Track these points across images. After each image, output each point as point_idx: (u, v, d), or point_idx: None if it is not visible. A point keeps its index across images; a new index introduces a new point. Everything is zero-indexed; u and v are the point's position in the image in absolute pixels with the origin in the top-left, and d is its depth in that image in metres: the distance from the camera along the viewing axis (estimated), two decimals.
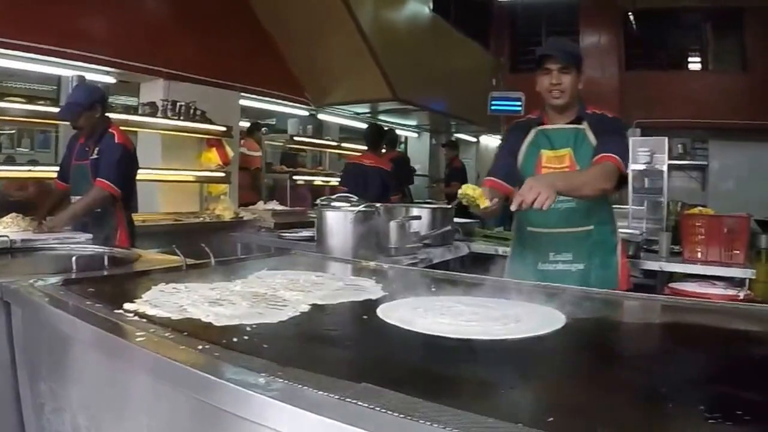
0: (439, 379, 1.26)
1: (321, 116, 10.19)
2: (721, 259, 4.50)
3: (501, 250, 4.59)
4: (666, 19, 14.12)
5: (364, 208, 3.47)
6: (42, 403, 1.90)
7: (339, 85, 9.47)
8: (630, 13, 13.32)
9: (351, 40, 8.52)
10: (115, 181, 4.21)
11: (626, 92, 13.33)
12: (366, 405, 1.00)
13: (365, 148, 6.96)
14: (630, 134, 9.84)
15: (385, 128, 8.21)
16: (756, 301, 4.10)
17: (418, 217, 4.24)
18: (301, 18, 8.45)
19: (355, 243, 3.41)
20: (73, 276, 2.14)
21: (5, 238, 3.11)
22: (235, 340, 1.42)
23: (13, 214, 3.76)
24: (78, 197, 4.25)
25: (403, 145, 13.34)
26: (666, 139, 6.99)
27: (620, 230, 5.03)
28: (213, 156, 7.56)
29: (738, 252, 4.50)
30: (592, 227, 3.11)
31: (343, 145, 10.74)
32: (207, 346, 1.33)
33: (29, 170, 5.97)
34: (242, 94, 8.41)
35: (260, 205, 7.09)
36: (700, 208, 5.19)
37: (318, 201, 3.74)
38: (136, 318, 1.60)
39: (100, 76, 6.63)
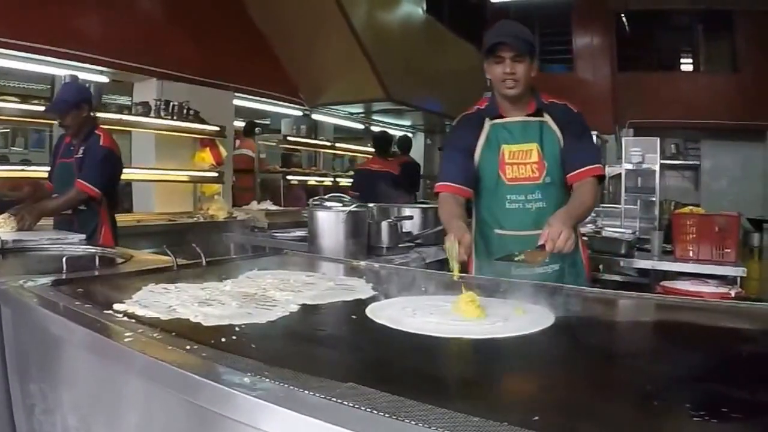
0: (426, 379, 1.26)
1: (315, 116, 10.18)
2: (712, 257, 4.52)
3: None
4: (658, 20, 14.21)
5: (355, 208, 3.47)
6: (33, 404, 1.89)
7: (333, 86, 9.46)
8: (622, 15, 13.37)
9: (345, 41, 8.51)
10: (95, 182, 4.20)
11: (619, 93, 13.38)
12: (351, 405, 1.00)
13: (364, 150, 7.09)
14: (623, 135, 9.90)
15: (399, 135, 8.28)
16: (747, 298, 4.12)
17: (410, 217, 4.24)
18: (295, 18, 8.45)
19: (347, 243, 3.41)
20: (64, 276, 2.13)
21: None
22: (223, 340, 1.42)
23: (5, 215, 3.74)
24: (59, 196, 4.27)
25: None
26: (657, 139, 7.01)
27: (612, 229, 5.09)
28: (206, 156, 7.55)
29: (729, 250, 4.51)
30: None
31: (337, 145, 10.74)
32: (195, 347, 1.33)
33: (22, 170, 5.95)
34: (236, 93, 8.40)
35: (254, 205, 7.11)
36: (691, 207, 5.21)
37: (310, 201, 3.74)
38: (125, 318, 1.59)
39: (94, 75, 6.61)
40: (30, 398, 1.90)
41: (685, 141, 14.06)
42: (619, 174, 6.63)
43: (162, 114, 6.89)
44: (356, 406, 1.00)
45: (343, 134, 12.50)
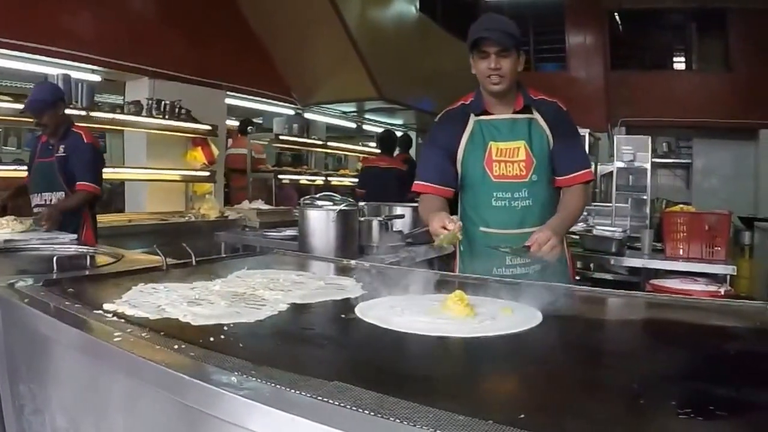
0: (412, 377, 1.27)
1: (307, 115, 10.16)
2: (702, 255, 4.54)
3: None
4: (651, 19, 14.22)
5: (345, 207, 3.47)
6: (22, 404, 1.89)
7: (325, 85, 9.46)
8: (616, 14, 13.40)
9: (337, 40, 8.50)
10: (93, 180, 4.34)
11: (611, 91, 13.40)
12: (337, 403, 1.01)
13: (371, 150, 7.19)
14: (615, 133, 9.92)
15: (399, 133, 8.39)
16: (737, 297, 4.15)
17: (401, 216, 4.24)
18: (288, 17, 8.44)
19: (337, 242, 3.41)
20: (54, 276, 2.13)
21: None
22: (211, 339, 1.42)
23: (10, 216, 3.73)
24: (43, 194, 4.34)
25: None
26: (649, 137, 7.05)
27: (603, 228, 5.10)
28: (198, 155, 7.54)
29: (719, 248, 4.54)
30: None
31: (330, 144, 10.73)
32: (183, 346, 1.33)
33: (15, 169, 5.93)
34: (228, 93, 8.39)
35: (245, 204, 7.10)
36: (682, 205, 5.23)
37: (301, 200, 3.74)
38: (115, 318, 1.59)
39: (86, 74, 6.61)
40: (20, 399, 1.90)
41: (677, 139, 14.10)
42: (611, 172, 6.67)
43: (154, 113, 6.88)
44: (341, 404, 1.00)
45: (336, 133, 12.48)
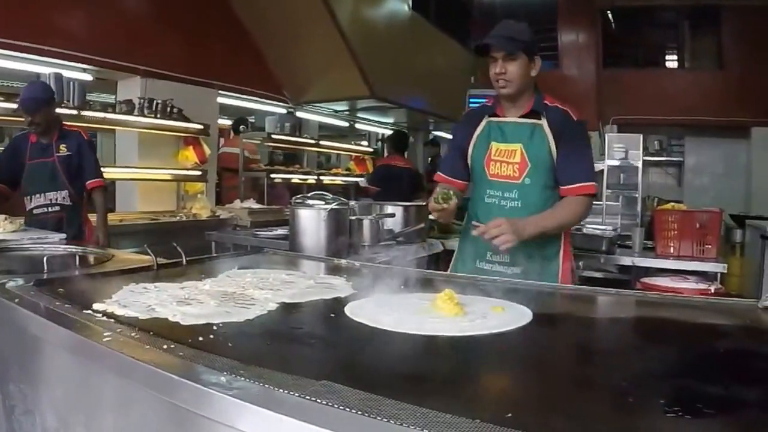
0: (401, 376, 1.27)
1: (300, 114, 10.15)
2: (693, 253, 4.55)
3: None
4: (644, 17, 14.24)
5: (336, 206, 3.47)
6: (13, 405, 1.88)
7: (317, 83, 9.45)
8: (608, 11, 13.42)
9: (330, 38, 8.49)
10: (101, 175, 4.57)
11: (603, 89, 13.42)
12: (325, 402, 1.01)
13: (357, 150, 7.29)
14: (606, 131, 9.94)
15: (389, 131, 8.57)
16: (728, 295, 4.16)
17: (392, 215, 4.24)
18: (280, 16, 8.42)
19: (328, 241, 3.41)
20: (44, 276, 2.13)
21: None
22: (200, 339, 1.42)
23: (1, 216, 3.72)
24: (46, 194, 4.36)
25: (380, 143, 13.37)
26: (641, 135, 7.07)
27: (593, 226, 5.10)
28: (190, 154, 7.51)
29: (710, 246, 4.55)
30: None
31: (322, 142, 10.72)
32: (172, 346, 1.34)
33: None
34: (220, 92, 8.37)
35: (237, 203, 7.09)
36: (673, 203, 5.24)
37: (293, 199, 3.74)
38: (105, 318, 1.59)
39: (78, 73, 6.58)
40: (10, 399, 1.89)
41: (668, 137, 14.11)
42: (602, 170, 6.67)
43: (146, 112, 6.85)
44: (329, 404, 1.01)
45: (328, 132, 12.47)
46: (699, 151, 13.87)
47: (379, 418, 0.95)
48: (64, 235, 3.52)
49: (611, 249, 4.61)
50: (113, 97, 7.56)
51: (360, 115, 11.67)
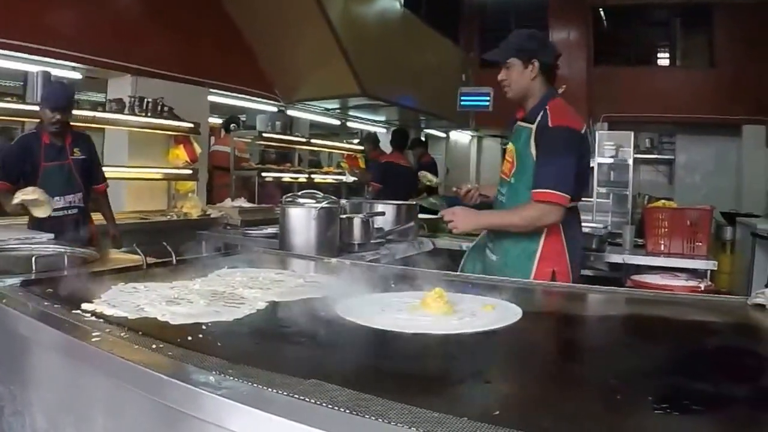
0: (391, 375, 1.28)
1: (291, 112, 10.12)
2: (683, 251, 4.57)
3: (465, 245, 4.62)
4: (635, 14, 14.25)
5: (326, 205, 3.46)
6: (2, 406, 1.87)
7: (308, 81, 9.41)
8: (600, 9, 13.43)
9: (321, 36, 8.46)
10: (105, 178, 4.81)
11: (594, 87, 13.42)
12: (313, 401, 1.01)
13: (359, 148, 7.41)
14: (597, 129, 9.96)
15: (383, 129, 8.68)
16: (717, 292, 4.18)
17: (382, 213, 4.24)
18: (272, 13, 8.39)
19: (318, 239, 3.40)
20: (33, 277, 2.12)
21: None
22: (189, 338, 1.42)
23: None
24: (66, 197, 4.35)
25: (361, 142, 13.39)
26: (632, 133, 7.09)
27: (584, 224, 5.09)
28: (181, 153, 7.46)
29: (701, 244, 4.57)
30: (513, 235, 3.09)
31: (313, 141, 10.70)
32: (161, 346, 1.33)
33: None
34: (211, 90, 8.33)
35: (228, 202, 7.06)
36: (664, 201, 5.25)
37: (283, 198, 3.73)
38: (93, 318, 1.59)
39: (67, 71, 6.54)
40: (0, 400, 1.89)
41: (659, 135, 14.13)
42: (592, 168, 6.69)
43: (136, 111, 6.81)
44: (318, 402, 1.01)
45: (320, 130, 12.44)
46: (690, 149, 13.90)
47: (367, 416, 0.96)
48: (51, 235, 3.50)
49: (602, 247, 4.61)
50: (103, 95, 7.52)
51: (351, 113, 11.64)
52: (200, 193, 7.72)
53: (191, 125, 7.37)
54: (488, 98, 10.27)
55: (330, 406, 0.99)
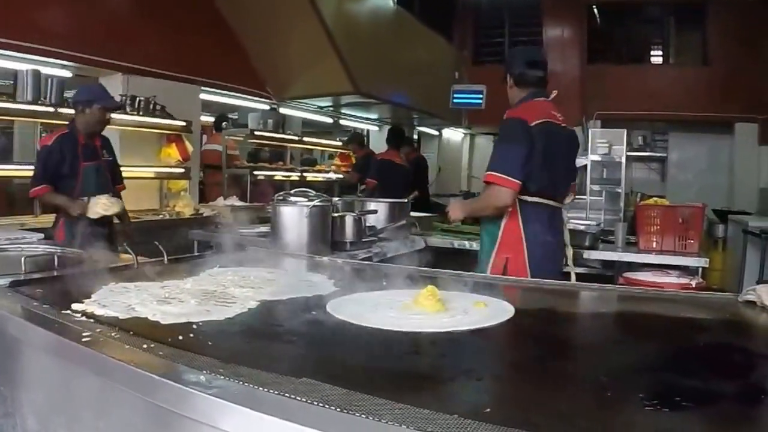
0: (382, 373, 1.28)
1: (283, 110, 10.10)
2: (675, 248, 4.58)
3: (457, 243, 4.66)
4: (629, 12, 14.25)
5: (318, 203, 3.46)
6: None
7: (301, 79, 9.38)
8: (594, 7, 13.44)
9: (313, 34, 8.44)
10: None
11: (587, 85, 13.42)
12: (304, 400, 1.01)
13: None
14: (590, 126, 9.97)
15: (376, 127, 8.71)
16: (709, 289, 4.19)
17: (374, 211, 4.24)
18: (264, 10, 8.35)
19: (310, 238, 3.39)
20: (22, 277, 2.11)
21: None
22: (180, 338, 1.41)
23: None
24: (96, 197, 4.30)
25: (365, 139, 13.33)
26: (624, 131, 7.10)
27: (577, 221, 5.11)
28: (173, 151, 7.44)
29: (692, 241, 4.58)
30: (485, 224, 3.51)
31: (305, 139, 10.68)
32: (152, 345, 1.33)
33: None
34: (203, 88, 8.30)
35: (220, 201, 7.05)
36: (656, 198, 5.27)
37: (275, 196, 3.71)
38: (84, 318, 1.58)
39: (57, 70, 6.50)
40: None
41: (652, 133, 14.13)
42: (585, 165, 6.70)
43: (128, 109, 6.79)
44: (309, 401, 1.01)
45: (313, 128, 12.42)
46: (683, 147, 13.91)
47: (358, 414, 0.96)
48: (42, 235, 3.49)
49: (594, 244, 4.62)
50: None
51: (344, 111, 11.62)
52: (192, 192, 7.70)
53: (183, 123, 7.35)
54: (481, 96, 10.29)
55: (322, 405, 0.99)
